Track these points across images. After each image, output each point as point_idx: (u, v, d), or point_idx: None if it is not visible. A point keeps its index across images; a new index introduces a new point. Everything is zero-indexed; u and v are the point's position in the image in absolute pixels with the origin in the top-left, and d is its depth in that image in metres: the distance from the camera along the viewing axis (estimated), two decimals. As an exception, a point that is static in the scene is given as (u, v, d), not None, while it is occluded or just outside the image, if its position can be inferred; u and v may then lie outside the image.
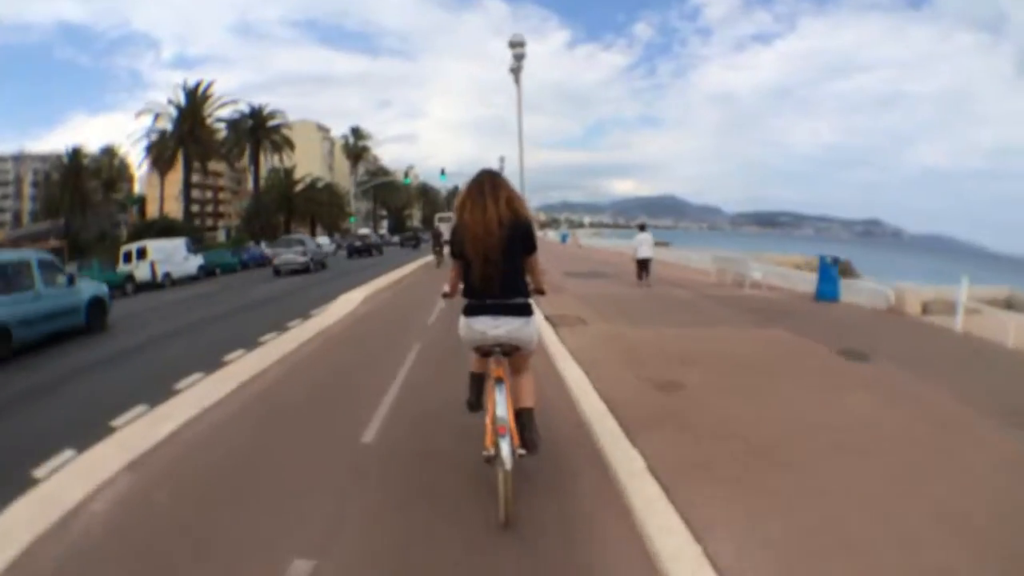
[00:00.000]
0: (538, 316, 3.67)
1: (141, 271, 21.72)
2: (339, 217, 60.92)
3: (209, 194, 77.29)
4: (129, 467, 3.77)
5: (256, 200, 50.76)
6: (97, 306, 11.21)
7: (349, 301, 11.72)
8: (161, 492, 3.44)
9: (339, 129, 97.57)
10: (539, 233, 42.74)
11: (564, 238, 51.65)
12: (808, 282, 12.68)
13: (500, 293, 3.03)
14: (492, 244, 2.96)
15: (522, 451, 2.93)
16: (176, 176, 44.67)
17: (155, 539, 2.93)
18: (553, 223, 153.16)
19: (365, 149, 74.86)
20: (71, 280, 10.48)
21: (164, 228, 34.29)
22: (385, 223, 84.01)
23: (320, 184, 61.80)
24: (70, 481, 3.60)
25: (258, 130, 47.92)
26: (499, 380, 2.98)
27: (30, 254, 10.16)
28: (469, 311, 3.11)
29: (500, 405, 2.85)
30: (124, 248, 23.39)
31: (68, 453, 4.24)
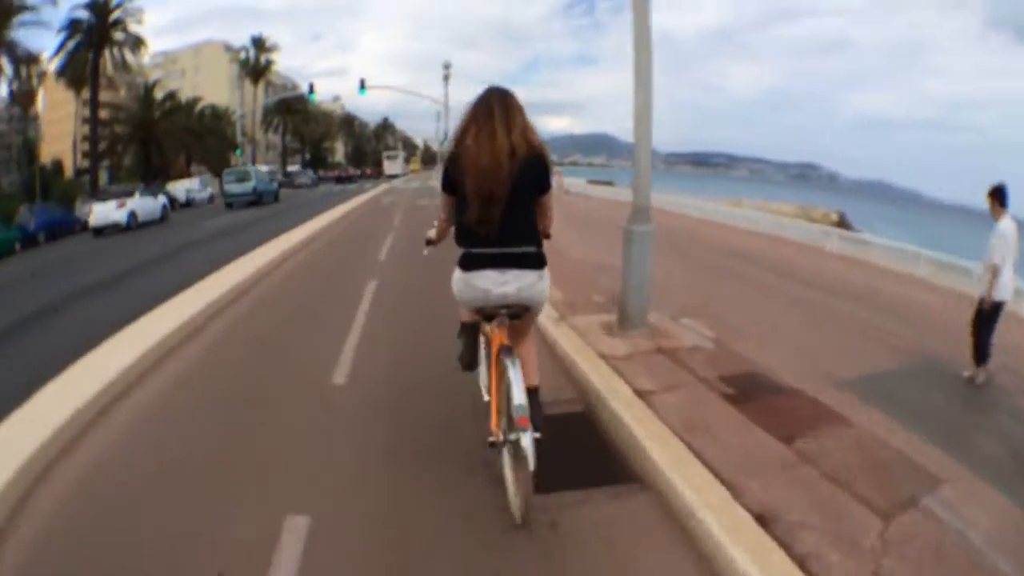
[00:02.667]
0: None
1: None
2: (229, 150, 47.83)
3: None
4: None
5: (93, 128, 34.96)
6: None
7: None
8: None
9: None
10: None
11: None
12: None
13: (507, 240, 2.48)
14: (500, 179, 2.40)
15: (537, 435, 2.34)
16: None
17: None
18: None
19: (270, 65, 57.94)
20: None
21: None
22: (299, 159, 68.69)
23: (201, 107, 48.67)
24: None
25: (100, 29, 33.74)
26: (507, 350, 2.50)
27: (255, 169, 30.51)
28: (468, 263, 2.54)
29: (516, 387, 2.34)
30: None
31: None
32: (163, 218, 21.99)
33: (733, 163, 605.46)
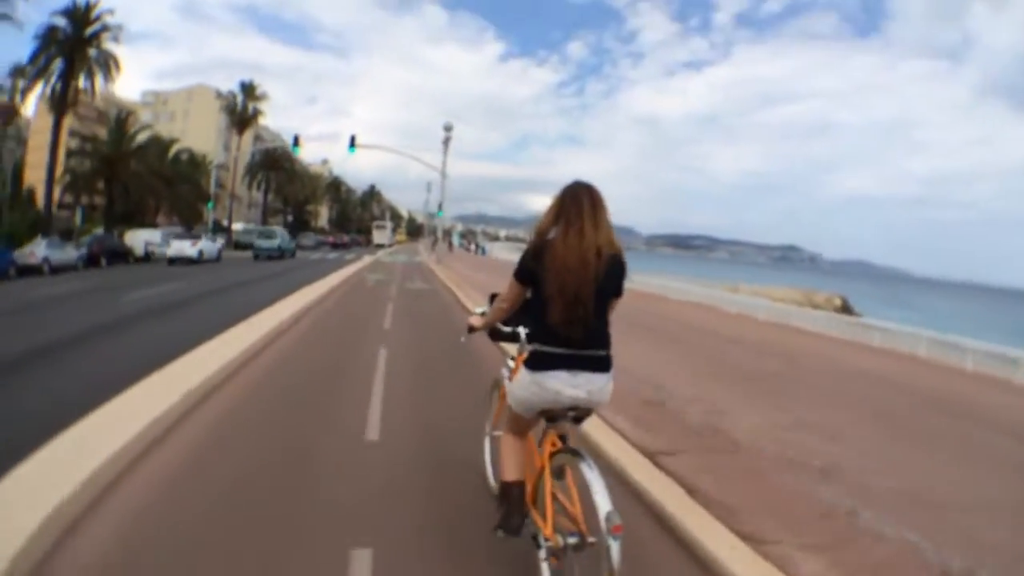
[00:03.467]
0: None
1: None
2: (204, 201, 45.00)
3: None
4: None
5: (51, 158, 28.97)
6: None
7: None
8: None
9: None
10: (476, 246, 55.60)
11: (483, 250, 41.97)
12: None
13: (587, 343, 2.33)
14: (586, 280, 2.28)
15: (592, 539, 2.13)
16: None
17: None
18: (469, 234, 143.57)
19: (257, 115, 51.69)
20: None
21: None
22: (282, 219, 66.35)
23: (176, 150, 44.49)
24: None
25: (75, 42, 28.64)
26: (574, 452, 2.30)
27: (282, 230, 35.35)
28: (540, 363, 2.35)
29: (601, 493, 2.06)
30: None
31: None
32: (218, 258, 28.45)
33: (714, 245, 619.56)
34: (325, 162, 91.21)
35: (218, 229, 43.44)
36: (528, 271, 2.41)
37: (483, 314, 2.93)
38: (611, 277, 2.34)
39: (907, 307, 50.90)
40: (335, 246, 57.69)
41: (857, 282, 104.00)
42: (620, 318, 2.69)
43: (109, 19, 29.94)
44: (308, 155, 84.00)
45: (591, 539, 2.12)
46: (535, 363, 2.37)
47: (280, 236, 33.21)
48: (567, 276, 2.27)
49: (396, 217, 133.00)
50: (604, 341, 2.39)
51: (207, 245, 27.29)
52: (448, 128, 31.39)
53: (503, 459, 2.63)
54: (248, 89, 51.06)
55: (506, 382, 2.90)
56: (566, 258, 2.29)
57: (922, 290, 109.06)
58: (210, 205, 40.33)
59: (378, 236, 69.68)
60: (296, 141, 33.34)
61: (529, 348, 2.42)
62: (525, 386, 2.41)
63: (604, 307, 2.38)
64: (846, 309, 33.80)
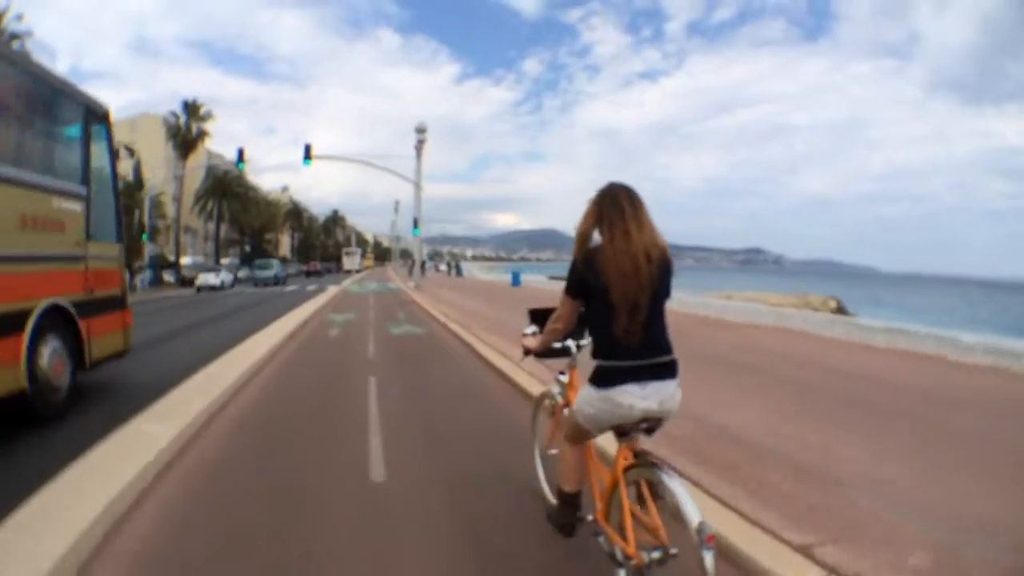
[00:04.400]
0: None
1: None
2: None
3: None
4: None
5: None
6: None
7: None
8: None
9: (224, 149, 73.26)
10: (451, 267, 59.67)
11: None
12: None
13: (650, 351, 2.18)
14: (642, 285, 2.15)
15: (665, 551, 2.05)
16: None
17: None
18: (436, 256, 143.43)
19: (203, 136, 46.93)
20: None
21: None
22: (239, 249, 63.42)
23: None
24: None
25: None
26: (654, 466, 2.10)
27: (277, 261, 42.72)
28: (606, 379, 2.19)
29: (690, 504, 1.92)
30: None
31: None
32: (233, 284, 36.26)
33: (679, 253, 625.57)
34: (285, 189, 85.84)
35: (160, 264, 39.33)
36: (581, 283, 2.29)
37: (534, 334, 2.83)
38: (663, 279, 2.23)
39: (892, 306, 48.99)
40: (308, 274, 61.97)
41: (827, 282, 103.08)
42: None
43: (17, 26, 25.96)
44: (269, 185, 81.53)
45: (673, 550, 2.05)
46: (602, 379, 2.24)
47: (276, 266, 40.94)
48: (624, 284, 2.16)
49: (362, 242, 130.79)
50: (667, 346, 2.26)
51: (227, 275, 35.21)
52: (421, 130, 26.99)
53: (564, 471, 2.67)
54: (192, 109, 45.73)
55: (575, 403, 2.51)
56: (619, 264, 2.17)
57: (894, 287, 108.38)
58: (144, 237, 35.37)
59: (348, 262, 76.12)
60: (241, 156, 28.73)
61: (596, 364, 2.28)
62: (594, 403, 2.29)
63: (661, 310, 2.26)
64: (841, 311, 31.62)
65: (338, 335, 11.30)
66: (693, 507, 1.93)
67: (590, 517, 2.58)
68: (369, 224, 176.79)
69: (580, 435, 2.55)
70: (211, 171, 54.75)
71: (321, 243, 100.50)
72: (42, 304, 4.99)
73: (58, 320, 5.32)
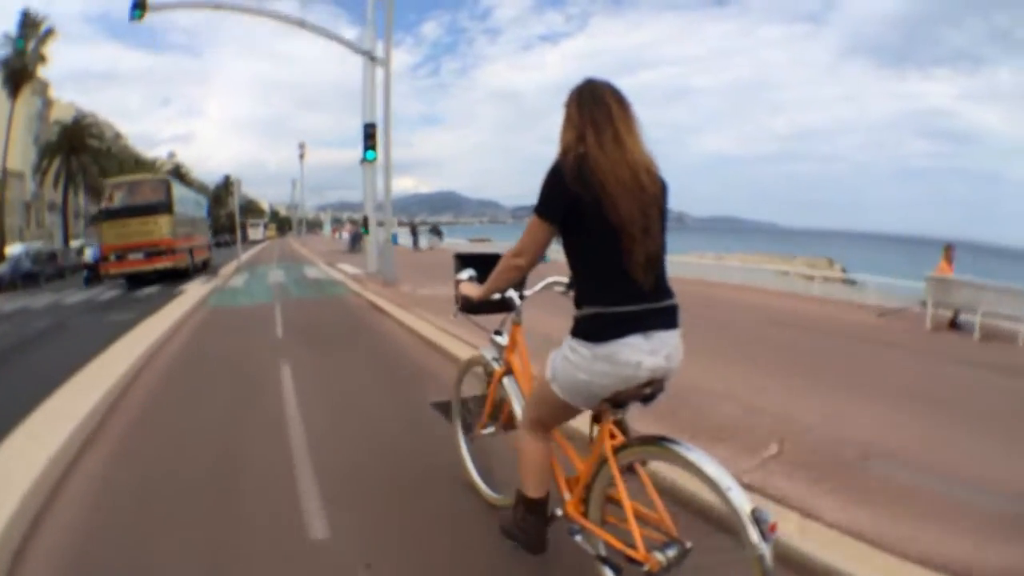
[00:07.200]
0: None
1: None
2: None
3: None
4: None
5: None
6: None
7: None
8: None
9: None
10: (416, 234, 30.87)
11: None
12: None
13: (656, 292, 1.67)
14: (648, 202, 1.64)
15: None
16: None
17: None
18: (336, 222, 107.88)
19: (40, 61, 34.74)
20: None
21: None
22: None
23: None
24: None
25: None
26: (664, 440, 1.67)
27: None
28: (606, 330, 1.63)
29: (736, 490, 1.49)
30: None
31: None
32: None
33: None
34: (172, 155, 74.73)
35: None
36: (569, 198, 1.62)
37: (471, 279, 2.22)
38: (665, 204, 1.71)
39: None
40: (219, 244, 50.12)
41: (727, 238, 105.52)
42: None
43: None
44: (161, 153, 75.10)
45: (688, 544, 1.64)
46: (599, 331, 1.62)
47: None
48: (630, 199, 1.60)
49: (259, 211, 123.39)
50: (669, 287, 1.73)
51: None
52: (302, 145, 28.45)
53: (528, 469, 1.98)
54: (27, 22, 32.64)
55: (549, 370, 1.80)
56: (617, 173, 1.61)
57: (800, 241, 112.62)
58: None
59: (252, 233, 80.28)
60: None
61: (586, 312, 1.66)
62: (588, 367, 1.65)
63: (665, 244, 1.72)
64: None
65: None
66: (737, 488, 1.52)
67: (559, 512, 2.05)
68: (265, 194, 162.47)
69: (556, 416, 1.92)
70: (57, 123, 44.03)
71: (214, 213, 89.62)
72: None
73: None
